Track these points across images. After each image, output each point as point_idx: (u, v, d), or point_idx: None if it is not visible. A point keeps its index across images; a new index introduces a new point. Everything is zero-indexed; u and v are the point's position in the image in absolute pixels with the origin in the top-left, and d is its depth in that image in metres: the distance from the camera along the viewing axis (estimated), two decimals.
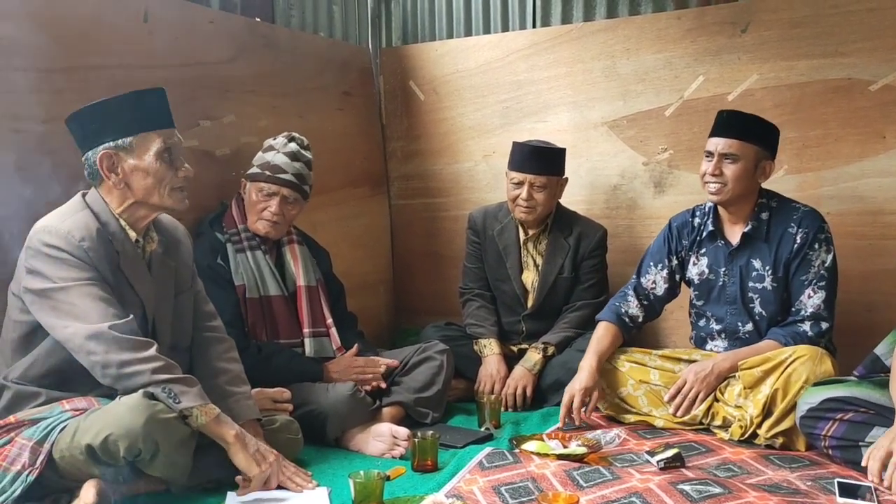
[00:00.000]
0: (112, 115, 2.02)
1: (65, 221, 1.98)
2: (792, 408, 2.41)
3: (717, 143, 2.65)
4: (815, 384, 2.37)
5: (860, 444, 2.19)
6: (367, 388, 2.68)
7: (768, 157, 2.67)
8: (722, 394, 2.63)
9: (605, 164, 3.54)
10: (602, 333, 2.81)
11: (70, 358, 1.95)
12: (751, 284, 2.69)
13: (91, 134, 2.03)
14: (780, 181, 3.14)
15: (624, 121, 3.49)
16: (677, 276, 2.88)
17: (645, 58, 3.42)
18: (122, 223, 2.07)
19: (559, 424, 2.65)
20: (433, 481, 2.16)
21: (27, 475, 1.84)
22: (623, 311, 2.85)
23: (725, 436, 2.56)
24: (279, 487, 2.05)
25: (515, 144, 3.17)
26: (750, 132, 2.64)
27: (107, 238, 2.02)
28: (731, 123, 2.66)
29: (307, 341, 2.76)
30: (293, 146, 2.78)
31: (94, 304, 1.93)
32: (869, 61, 3.02)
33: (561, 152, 3.19)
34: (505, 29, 3.97)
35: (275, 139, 2.81)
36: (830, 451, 2.28)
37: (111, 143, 2.02)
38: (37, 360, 2.01)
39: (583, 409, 2.67)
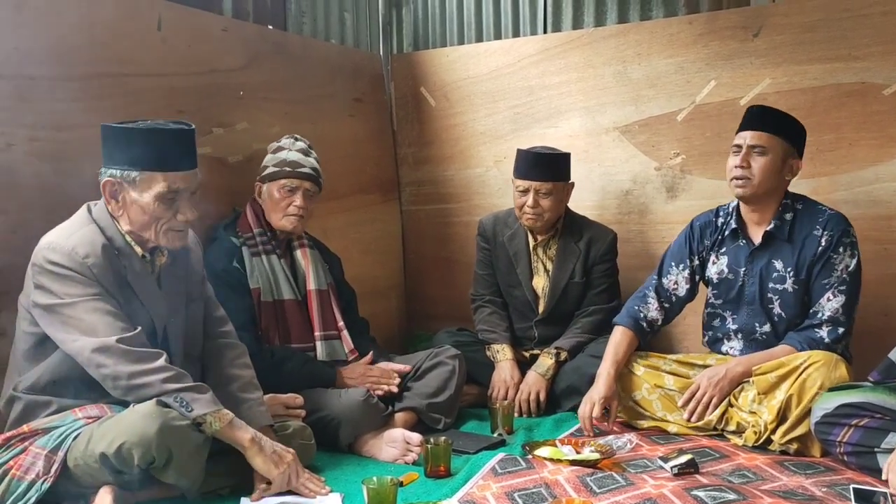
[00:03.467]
0: (127, 144, 2.00)
1: (70, 237, 1.98)
2: (807, 413, 2.39)
3: (746, 136, 2.64)
4: (830, 389, 2.36)
5: (875, 450, 2.18)
6: (379, 392, 2.68)
7: (795, 154, 2.65)
8: (736, 399, 2.61)
9: (616, 169, 3.54)
10: (619, 339, 2.79)
11: (80, 366, 1.96)
12: (771, 286, 2.67)
13: (107, 153, 2.04)
14: (793, 185, 3.10)
15: (636, 126, 3.48)
16: (697, 277, 2.86)
17: (656, 62, 3.42)
18: (129, 239, 2.07)
19: (587, 433, 2.61)
20: (446, 487, 2.16)
21: (41, 483, 1.85)
22: (642, 315, 2.83)
23: (739, 441, 2.54)
24: (293, 493, 2.06)
25: (519, 151, 3.17)
26: (778, 126, 2.64)
27: (113, 253, 2.02)
28: (760, 117, 2.66)
29: (319, 345, 2.77)
30: (302, 144, 2.84)
31: (101, 318, 1.93)
32: (882, 65, 3.00)
33: (564, 157, 3.18)
34: (516, 34, 3.97)
35: (279, 141, 2.85)
36: (845, 458, 2.26)
37: (118, 172, 2.01)
38: (47, 369, 2.02)
39: (605, 419, 2.67)
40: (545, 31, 3.89)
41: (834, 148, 3.11)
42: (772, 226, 2.66)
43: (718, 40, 3.29)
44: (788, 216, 2.67)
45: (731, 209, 2.79)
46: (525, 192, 3.11)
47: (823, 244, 2.59)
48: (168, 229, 2.06)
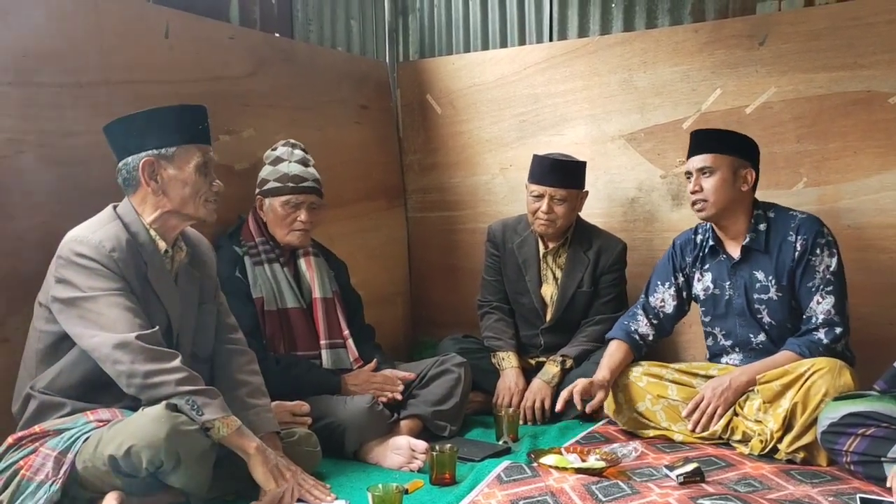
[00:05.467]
0: (157, 124, 2.08)
1: (96, 232, 2.01)
2: (813, 422, 2.39)
3: (693, 162, 2.73)
4: (836, 398, 2.35)
5: (882, 459, 2.17)
6: (384, 399, 2.68)
7: (746, 165, 2.69)
8: (741, 408, 2.61)
9: (622, 177, 3.54)
10: (614, 350, 2.83)
11: (96, 368, 1.97)
12: (756, 296, 2.69)
13: (134, 141, 2.08)
14: (799, 194, 3.13)
15: (641, 134, 3.49)
16: (684, 294, 2.90)
17: (662, 71, 3.42)
18: (153, 233, 2.10)
19: (558, 407, 2.73)
20: (451, 495, 2.16)
21: (50, 485, 1.86)
22: (633, 329, 2.87)
23: (745, 450, 2.54)
24: (299, 500, 2.06)
25: (536, 157, 3.17)
26: (720, 144, 2.70)
27: (136, 249, 2.05)
28: (701, 141, 2.74)
29: (324, 353, 2.77)
30: (300, 153, 2.83)
31: (121, 314, 1.95)
32: (888, 73, 3.00)
33: (581, 165, 3.19)
34: (521, 42, 3.98)
35: (275, 149, 2.85)
36: (852, 467, 2.25)
37: (154, 151, 2.07)
38: (63, 370, 2.03)
39: (586, 402, 2.72)
40: (551, 40, 3.90)
41: (839, 156, 3.11)
42: (748, 239, 2.69)
43: (724, 48, 3.30)
44: (762, 227, 2.69)
45: (708, 226, 2.83)
46: (539, 197, 3.11)
47: (799, 249, 2.62)
48: (206, 200, 2.14)
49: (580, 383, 2.71)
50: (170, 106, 2.13)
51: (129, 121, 2.10)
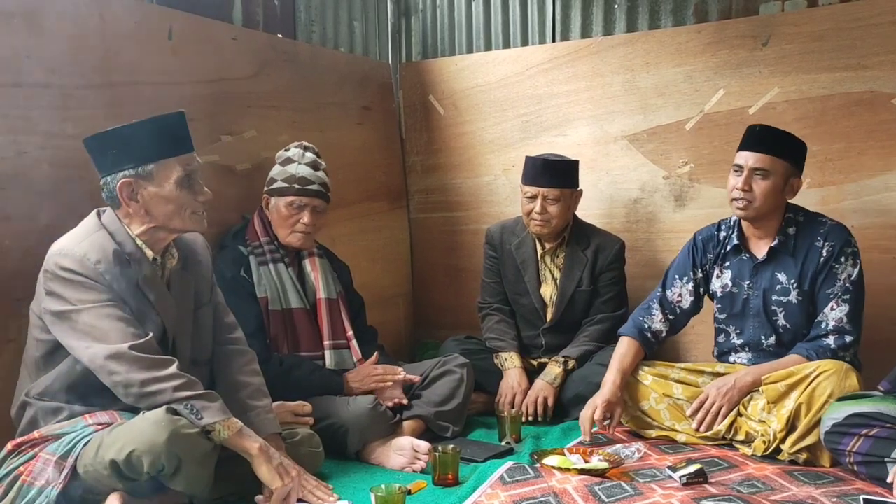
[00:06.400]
0: (131, 141, 2.00)
1: (80, 244, 1.98)
2: (816, 423, 2.38)
3: (748, 158, 2.62)
4: (840, 399, 2.35)
5: (886, 460, 2.17)
6: (389, 403, 2.68)
7: (797, 173, 2.66)
8: (745, 408, 2.61)
9: (624, 177, 3.54)
10: (625, 350, 2.80)
11: (91, 373, 1.96)
12: (775, 298, 2.67)
13: (110, 159, 2.02)
14: (802, 195, 3.09)
15: (644, 134, 3.49)
16: (701, 290, 2.87)
17: (665, 71, 3.42)
18: (139, 243, 2.06)
19: (584, 438, 2.64)
20: (454, 495, 2.16)
21: (51, 490, 1.86)
22: (646, 325, 2.84)
23: (748, 451, 2.54)
24: (301, 501, 2.06)
25: (528, 158, 3.18)
26: (781, 148, 2.63)
27: (123, 258, 2.02)
28: (763, 138, 2.64)
29: (327, 353, 2.77)
30: (311, 155, 2.82)
31: (113, 325, 1.94)
32: (891, 74, 3.00)
33: (573, 164, 3.19)
34: (524, 43, 3.98)
35: (288, 150, 2.84)
36: (855, 467, 2.25)
37: (131, 171, 2.01)
38: (59, 376, 2.02)
39: (606, 424, 2.68)
40: (554, 40, 3.90)
41: (842, 157, 3.10)
42: (776, 242, 2.67)
43: (727, 49, 3.29)
44: (791, 230, 2.67)
45: (732, 223, 2.80)
46: (533, 198, 3.12)
47: (825, 255, 2.60)
48: (192, 213, 2.07)
49: (598, 411, 2.64)
50: (143, 120, 2.03)
51: (103, 138, 2.02)
